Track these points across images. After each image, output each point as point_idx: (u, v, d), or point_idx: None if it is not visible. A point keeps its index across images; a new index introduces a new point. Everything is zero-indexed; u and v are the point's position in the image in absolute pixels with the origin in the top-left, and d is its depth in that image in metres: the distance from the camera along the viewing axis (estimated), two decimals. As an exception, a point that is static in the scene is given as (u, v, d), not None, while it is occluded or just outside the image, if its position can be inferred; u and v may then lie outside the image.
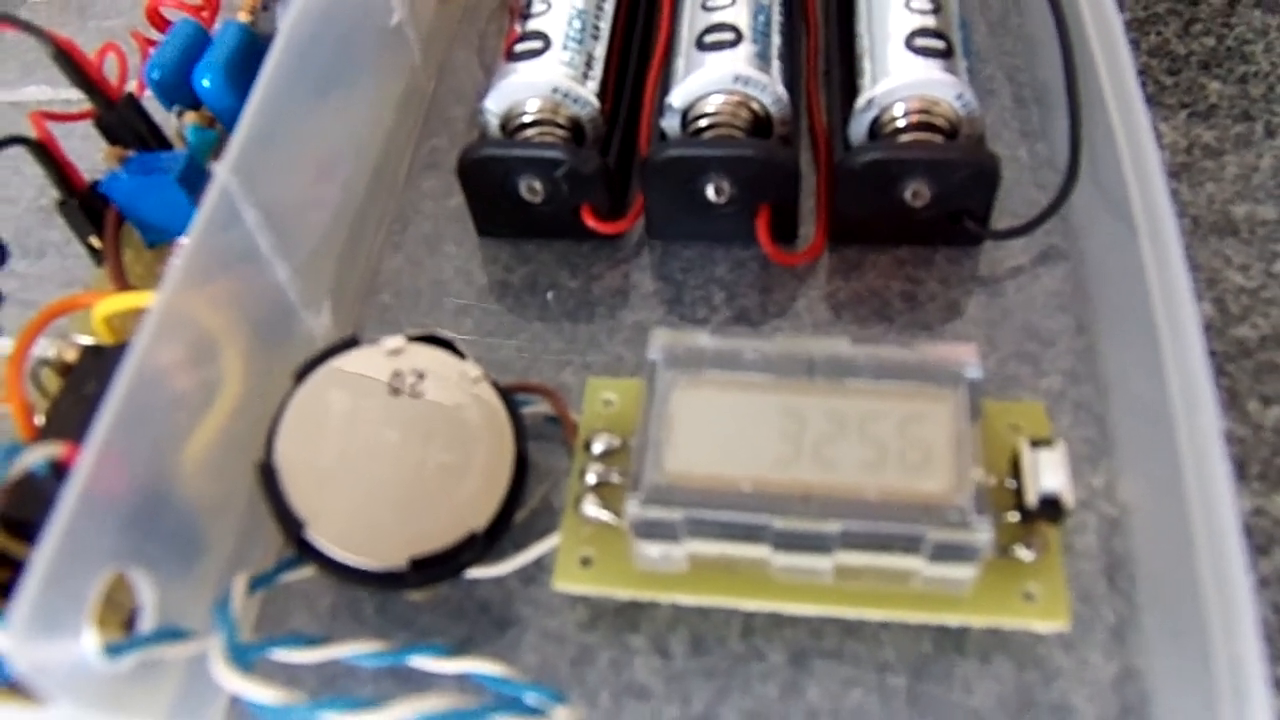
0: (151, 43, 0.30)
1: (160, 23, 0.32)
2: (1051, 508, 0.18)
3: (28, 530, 0.18)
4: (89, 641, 0.16)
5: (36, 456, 0.18)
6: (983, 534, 0.17)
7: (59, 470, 0.18)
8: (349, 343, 0.20)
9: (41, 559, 0.15)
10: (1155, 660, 0.18)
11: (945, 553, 0.17)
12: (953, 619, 0.18)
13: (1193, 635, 0.16)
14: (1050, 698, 0.18)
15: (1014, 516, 0.18)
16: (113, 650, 0.16)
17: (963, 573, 0.17)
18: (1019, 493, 0.18)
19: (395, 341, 0.20)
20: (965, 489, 0.17)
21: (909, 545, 0.17)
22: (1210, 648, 0.15)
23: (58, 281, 0.28)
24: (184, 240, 0.24)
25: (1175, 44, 0.29)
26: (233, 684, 0.16)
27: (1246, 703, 0.14)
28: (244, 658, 0.17)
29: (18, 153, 0.26)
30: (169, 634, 0.17)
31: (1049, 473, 0.18)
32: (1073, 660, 0.19)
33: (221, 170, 0.19)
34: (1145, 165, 0.20)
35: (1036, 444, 0.18)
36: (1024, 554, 0.18)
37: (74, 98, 0.32)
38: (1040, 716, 0.18)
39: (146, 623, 0.17)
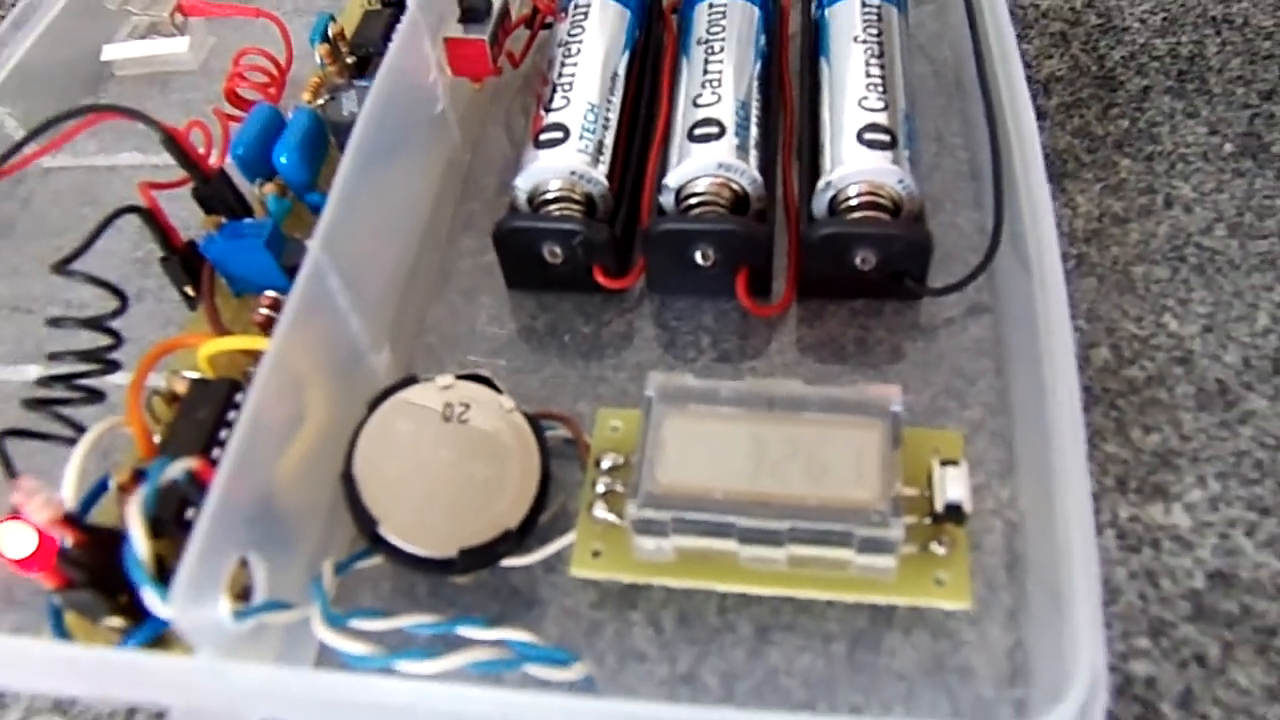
0: (231, 118, 0.36)
1: (237, 101, 0.38)
2: (955, 513, 0.23)
3: (173, 523, 0.23)
4: (224, 608, 0.21)
5: (178, 469, 0.23)
6: (896, 531, 0.22)
7: (194, 479, 0.23)
8: (409, 380, 0.26)
9: (193, 547, 0.20)
10: (1037, 634, 0.23)
11: (870, 545, 0.22)
12: (881, 599, 0.23)
13: (1058, 614, 0.21)
14: (957, 662, 0.24)
15: (927, 520, 0.23)
16: (239, 615, 0.22)
17: (885, 562, 0.23)
18: (931, 500, 0.23)
19: (446, 379, 0.26)
20: (886, 498, 0.22)
21: (843, 540, 0.22)
22: (1067, 624, 0.20)
23: (155, 322, 0.33)
24: (270, 293, 0.30)
25: (1095, 125, 0.35)
26: (332, 641, 0.22)
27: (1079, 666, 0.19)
28: (336, 623, 0.22)
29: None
30: (277, 605, 0.23)
31: (953, 486, 0.23)
32: (976, 633, 0.24)
33: (314, 247, 0.25)
34: (1044, 238, 0.25)
35: (945, 463, 0.23)
36: (937, 549, 0.23)
37: (160, 163, 0.38)
38: (949, 677, 0.23)
39: (258, 596, 0.23)
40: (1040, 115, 0.35)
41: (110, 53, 0.41)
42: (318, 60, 0.37)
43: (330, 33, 0.36)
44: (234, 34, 0.42)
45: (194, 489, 0.23)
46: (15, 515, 0.23)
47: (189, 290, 0.32)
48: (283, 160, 0.32)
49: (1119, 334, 0.29)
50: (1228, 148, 0.34)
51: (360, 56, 0.36)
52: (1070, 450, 0.22)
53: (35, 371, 0.32)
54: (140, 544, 0.21)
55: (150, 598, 0.21)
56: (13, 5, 0.40)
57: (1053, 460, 0.22)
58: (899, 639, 0.24)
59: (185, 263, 0.31)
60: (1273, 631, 0.24)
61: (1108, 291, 0.30)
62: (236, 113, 0.37)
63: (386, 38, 0.36)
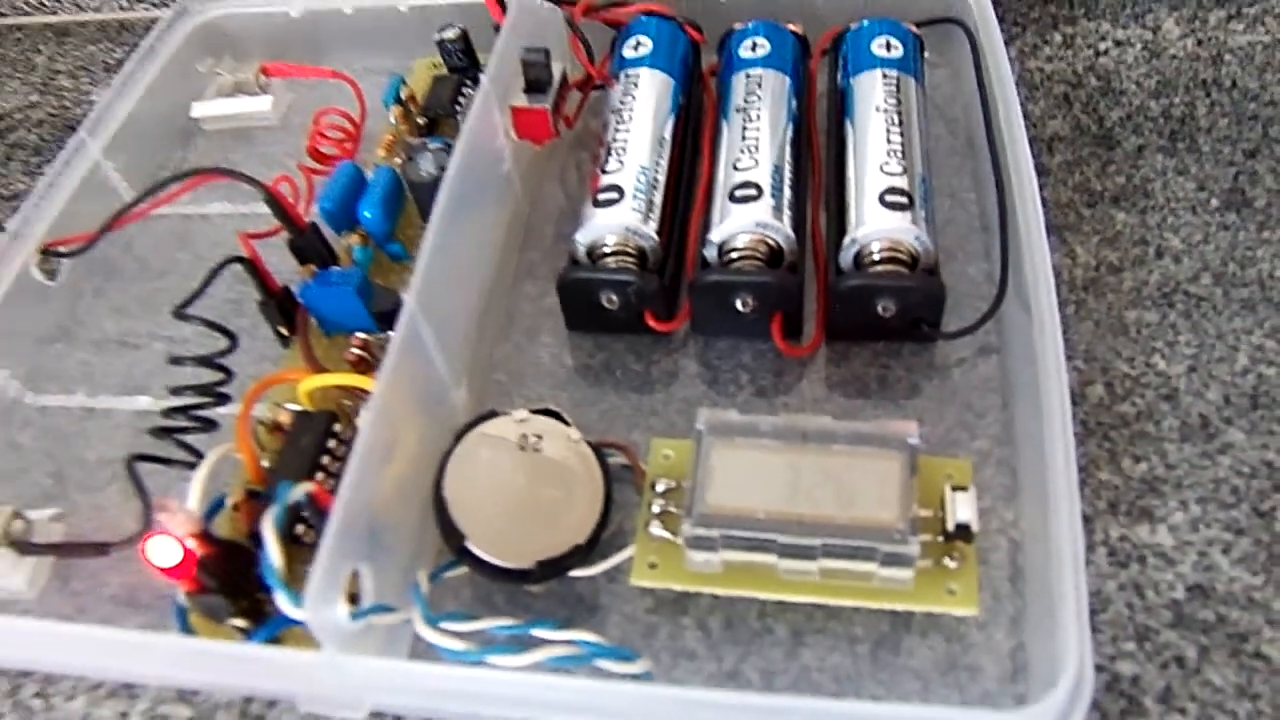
0: (314, 171, 0.40)
1: (319, 156, 0.42)
2: (964, 532, 0.27)
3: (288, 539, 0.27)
4: (342, 611, 0.25)
5: (300, 492, 0.27)
6: (913, 548, 0.26)
7: (313, 500, 0.27)
8: (490, 414, 0.30)
9: (320, 559, 0.24)
10: (1035, 637, 0.27)
11: (891, 560, 0.26)
12: (900, 606, 0.27)
13: (1052, 620, 0.24)
14: (967, 661, 0.27)
15: (940, 538, 0.27)
16: (354, 616, 0.26)
17: (904, 574, 0.26)
18: (944, 521, 0.27)
19: (521, 414, 0.30)
20: (904, 519, 0.26)
21: (867, 555, 0.26)
22: (1059, 628, 0.24)
23: (250, 358, 0.37)
24: (359, 334, 0.34)
25: (1094, 182, 0.38)
26: (433, 639, 0.25)
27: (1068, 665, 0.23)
28: (434, 624, 0.26)
29: (211, 257, 0.36)
30: (383, 608, 0.26)
31: (963, 508, 0.27)
32: (983, 637, 0.27)
33: (410, 300, 0.29)
34: (1043, 289, 0.29)
35: (956, 489, 0.27)
36: (949, 563, 0.27)
37: (248, 211, 0.42)
38: (959, 674, 0.27)
39: (366, 600, 0.27)
40: (1044, 172, 0.39)
41: (199, 110, 0.46)
42: (391, 120, 0.41)
43: (402, 95, 0.41)
44: (310, 92, 0.46)
45: (312, 509, 0.27)
46: (159, 530, 0.27)
47: (283, 330, 0.36)
48: (367, 214, 0.36)
49: (1112, 373, 0.33)
50: (1214, 202, 0.37)
51: (430, 118, 0.41)
52: (1063, 478, 0.25)
53: (145, 402, 0.37)
54: (275, 555, 0.25)
55: (283, 601, 0.25)
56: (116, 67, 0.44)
57: (1048, 487, 0.26)
58: (916, 641, 0.28)
59: (280, 306, 0.36)
60: (1244, 638, 0.27)
61: (1103, 334, 0.34)
62: (319, 167, 0.41)
63: (454, 101, 0.41)
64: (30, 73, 0.53)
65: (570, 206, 0.40)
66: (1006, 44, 0.40)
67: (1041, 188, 0.37)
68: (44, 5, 0.56)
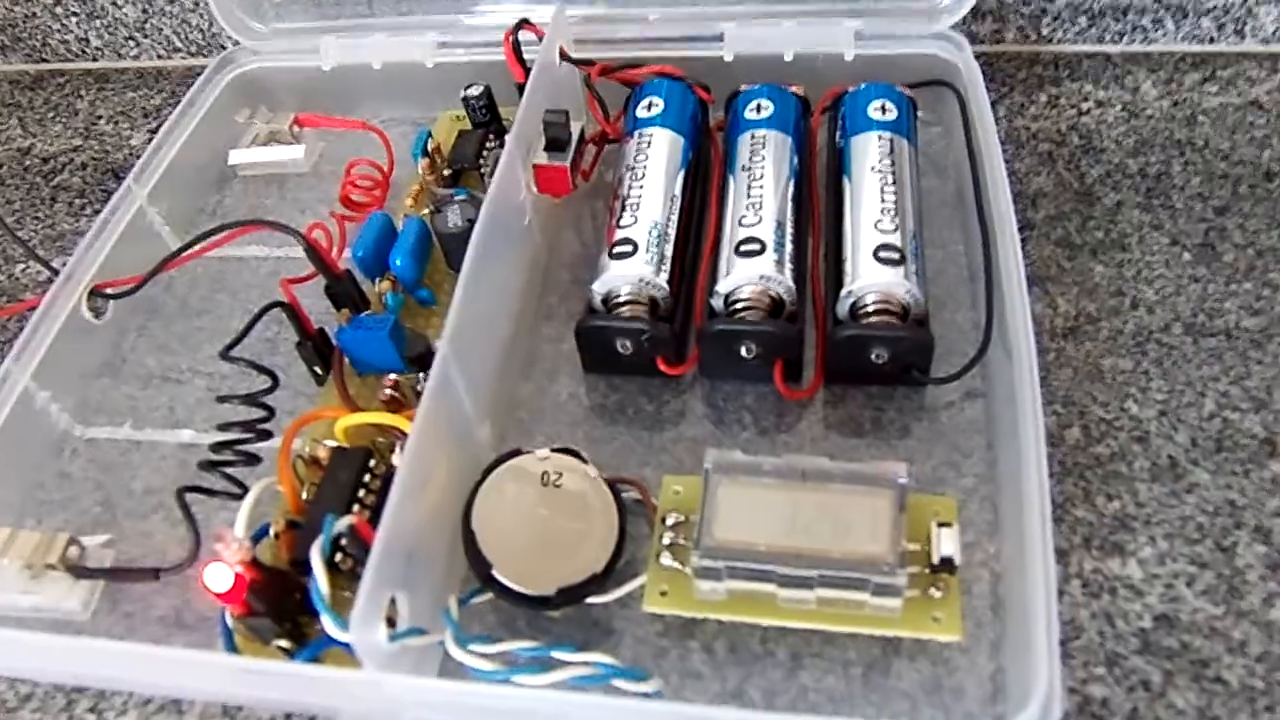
0: (346, 218, 0.43)
1: (350, 204, 0.45)
2: (949, 565, 0.29)
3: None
4: (382, 633, 0.28)
5: (343, 524, 0.29)
6: (902, 579, 0.28)
7: (355, 532, 0.30)
8: (515, 452, 0.32)
9: (364, 586, 0.27)
10: (1013, 662, 0.29)
11: (881, 590, 0.29)
12: (890, 633, 0.30)
13: (1027, 646, 0.27)
14: (951, 684, 0.30)
15: (927, 570, 0.30)
16: (392, 638, 0.28)
17: (893, 603, 0.29)
18: (930, 554, 0.29)
19: (544, 452, 0.32)
20: (894, 552, 0.29)
21: (860, 585, 0.29)
22: (1033, 654, 0.26)
23: (287, 394, 0.39)
24: (391, 375, 0.36)
25: (1074, 236, 0.41)
26: (464, 659, 0.28)
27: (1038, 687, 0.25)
28: (464, 645, 0.29)
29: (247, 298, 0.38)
30: (417, 630, 0.29)
31: (947, 543, 0.29)
32: (966, 661, 0.30)
33: (443, 345, 0.32)
34: (1023, 340, 0.32)
35: (942, 524, 0.30)
36: (935, 593, 0.30)
37: (282, 254, 0.45)
38: (944, 696, 0.29)
39: (402, 623, 0.29)
40: (1028, 225, 0.42)
41: (236, 157, 0.48)
42: (419, 171, 0.44)
43: (429, 147, 0.44)
44: (340, 141, 0.49)
45: (353, 540, 0.30)
46: (215, 558, 0.29)
47: (318, 369, 0.39)
48: (398, 263, 0.39)
49: (1089, 416, 0.36)
50: (1186, 256, 0.40)
51: (455, 170, 0.44)
52: (1039, 515, 0.28)
53: (188, 435, 0.39)
54: (323, 583, 0.28)
55: (330, 625, 0.27)
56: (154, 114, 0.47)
57: (1025, 523, 0.28)
58: (904, 664, 0.30)
59: (316, 347, 0.38)
60: (1206, 664, 0.30)
61: (1081, 380, 0.37)
62: (350, 214, 0.44)
63: (478, 155, 0.44)
64: (73, 117, 0.56)
65: (585, 253, 0.42)
66: (995, 103, 0.43)
67: (1025, 241, 0.41)
68: (84, 53, 0.59)
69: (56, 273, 0.43)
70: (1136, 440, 0.35)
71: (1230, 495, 0.33)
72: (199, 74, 0.48)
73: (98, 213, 0.49)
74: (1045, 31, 0.48)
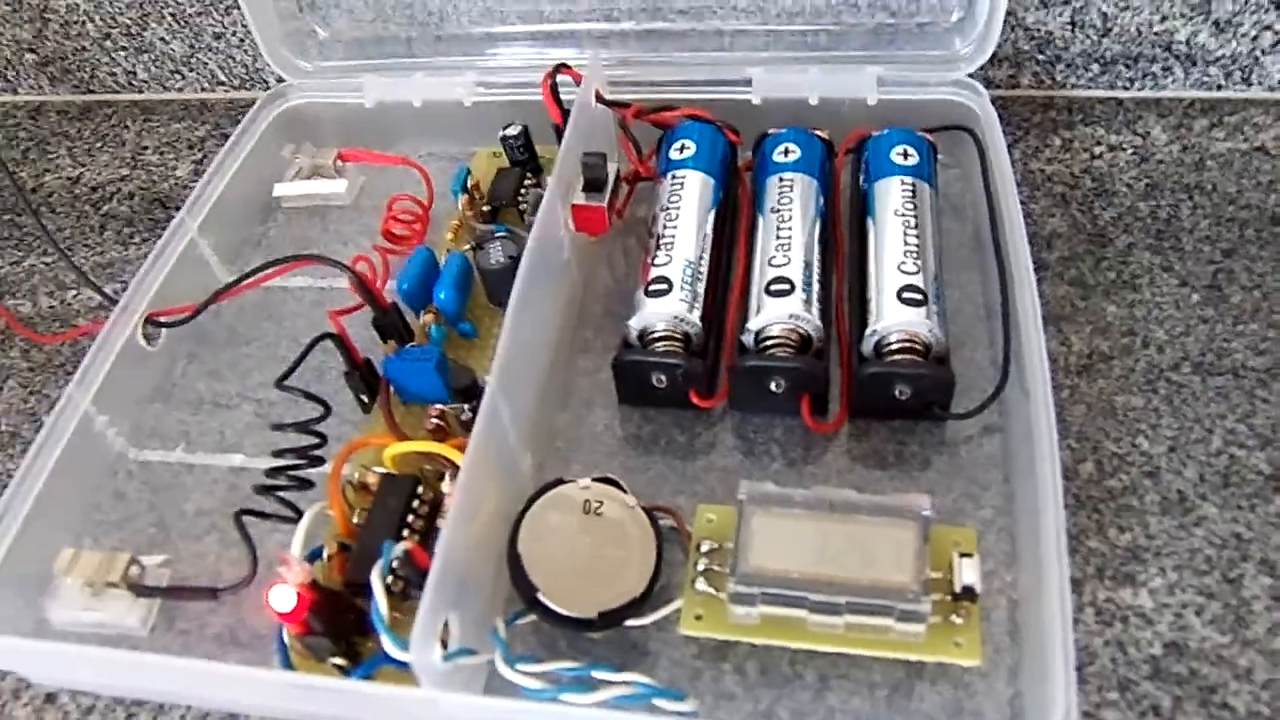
0: (389, 251, 0.45)
1: (392, 238, 0.47)
2: (969, 593, 0.31)
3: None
4: (438, 653, 0.29)
5: (399, 550, 0.31)
6: (925, 606, 0.30)
7: (410, 557, 0.31)
8: (557, 481, 0.34)
9: (423, 609, 0.29)
10: (1031, 686, 0.31)
11: (906, 616, 0.30)
12: (913, 657, 0.31)
13: (1044, 671, 0.29)
14: (971, 707, 0.31)
15: (949, 597, 0.31)
16: (446, 658, 0.30)
17: (917, 629, 0.31)
18: (952, 583, 0.31)
19: (585, 481, 0.34)
20: (918, 581, 0.30)
21: (885, 612, 0.30)
22: (1049, 678, 0.28)
23: (334, 420, 0.41)
24: (437, 405, 0.38)
25: (1088, 276, 0.43)
26: (515, 678, 0.30)
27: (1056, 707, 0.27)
28: (512, 664, 0.30)
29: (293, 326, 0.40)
30: (468, 650, 0.31)
31: (968, 572, 0.31)
32: (985, 685, 0.32)
33: (492, 381, 0.33)
34: (1039, 377, 0.33)
35: (963, 555, 0.31)
36: (956, 619, 0.31)
37: (326, 285, 0.47)
38: (965, 719, 0.31)
39: (454, 643, 0.31)
40: (1043, 266, 0.43)
41: (281, 190, 0.50)
42: (459, 207, 0.46)
43: (468, 184, 0.46)
44: (380, 174, 0.51)
45: (408, 565, 0.31)
46: (279, 580, 0.31)
47: (364, 397, 0.40)
48: (441, 296, 0.41)
49: (1101, 451, 0.37)
50: (1194, 297, 0.42)
51: (494, 206, 0.46)
52: (1055, 546, 0.30)
53: (239, 459, 0.41)
54: (383, 606, 0.29)
55: (390, 645, 0.29)
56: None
57: (1042, 553, 0.30)
58: (927, 688, 0.32)
59: (363, 376, 0.40)
60: (1213, 690, 0.31)
61: (1094, 416, 0.38)
62: (392, 247, 0.46)
63: (516, 192, 0.46)
64: (120, 147, 0.58)
65: (618, 287, 0.44)
66: (1011, 146, 0.44)
67: (1040, 280, 0.42)
68: (131, 84, 0.61)
69: (109, 299, 0.45)
70: (1147, 475, 0.36)
71: (1237, 529, 0.35)
72: (242, 107, 0.50)
73: (146, 241, 0.52)
74: (1059, 77, 0.50)
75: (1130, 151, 0.48)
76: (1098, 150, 0.48)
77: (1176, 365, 0.40)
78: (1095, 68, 0.50)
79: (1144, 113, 0.50)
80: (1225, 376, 0.39)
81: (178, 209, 0.51)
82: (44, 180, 0.57)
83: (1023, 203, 0.42)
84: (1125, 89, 0.50)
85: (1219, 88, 0.50)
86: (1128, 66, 0.49)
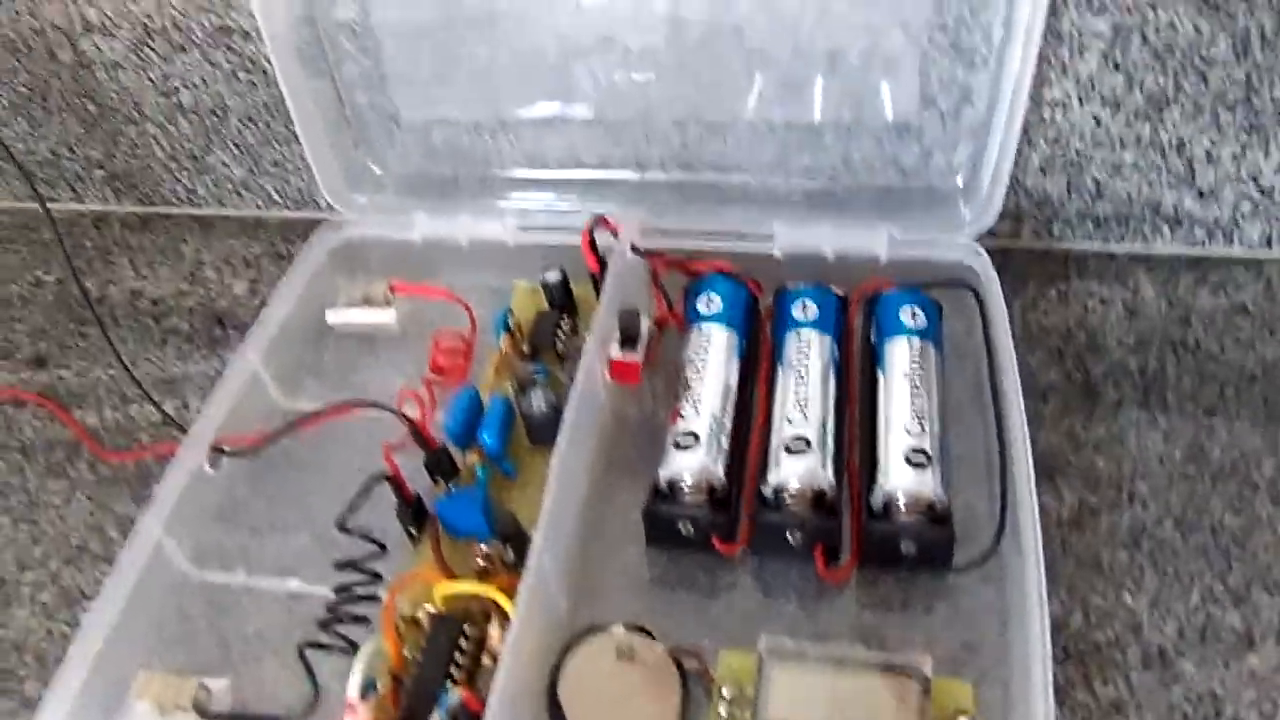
0: (435, 383, 0.49)
1: (439, 370, 0.50)
2: (967, 748, 0.34)
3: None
4: (486, 794, 0.33)
5: (454, 698, 0.35)
6: (928, 762, 0.33)
7: (464, 705, 0.35)
8: (592, 628, 0.38)
9: (475, 753, 0.32)
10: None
11: (910, 770, 0.34)
12: (915, 805, 0.35)
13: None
14: None
15: (948, 752, 0.35)
16: (494, 798, 0.33)
17: (920, 780, 0.34)
18: (951, 739, 0.35)
19: (618, 629, 0.38)
20: (921, 738, 0.34)
21: (891, 766, 0.34)
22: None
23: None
24: (483, 546, 0.42)
25: (1079, 431, 0.47)
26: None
27: None
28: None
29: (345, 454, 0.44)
30: (513, 790, 0.34)
31: (966, 729, 0.34)
32: (979, 831, 0.35)
33: (538, 539, 0.37)
34: (1030, 533, 0.37)
35: (960, 712, 0.35)
36: (955, 770, 0.35)
37: (375, 417, 0.50)
38: None
39: (499, 783, 0.34)
40: (1039, 417, 0.47)
41: (333, 317, 0.54)
42: (500, 345, 0.50)
43: (510, 324, 0.50)
44: (426, 305, 0.55)
45: (462, 712, 0.35)
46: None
47: (413, 530, 0.44)
48: (486, 438, 0.45)
49: (1089, 605, 0.41)
50: (1177, 454, 0.45)
51: (534, 346, 0.49)
52: (1042, 699, 0.33)
53: (296, 585, 0.45)
54: (442, 752, 0.33)
55: (446, 787, 0.32)
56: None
57: (1032, 708, 0.33)
58: (927, 833, 0.35)
59: (413, 511, 0.44)
60: (1187, 841, 0.35)
61: (1083, 570, 0.42)
62: (438, 379, 0.50)
63: (554, 334, 0.49)
64: (179, 262, 0.62)
65: (646, 425, 0.48)
66: (1010, 298, 0.48)
67: (1035, 431, 0.46)
68: (191, 200, 0.65)
69: (172, 420, 0.49)
70: (1130, 629, 0.40)
71: (1212, 686, 0.38)
72: (295, 225, 0.54)
73: (205, 358, 0.56)
74: (1056, 232, 0.54)
75: (1120, 306, 0.52)
76: (1090, 304, 0.52)
77: (1159, 521, 0.43)
78: (1089, 225, 0.54)
79: (1134, 268, 0.54)
80: (1202, 534, 0.43)
81: (235, 327, 0.55)
82: (108, 291, 0.61)
83: (1020, 355, 0.46)
84: (1118, 243, 0.54)
85: (1204, 244, 0.54)
86: (1119, 225, 0.54)
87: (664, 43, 0.49)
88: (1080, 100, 0.48)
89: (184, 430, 0.50)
